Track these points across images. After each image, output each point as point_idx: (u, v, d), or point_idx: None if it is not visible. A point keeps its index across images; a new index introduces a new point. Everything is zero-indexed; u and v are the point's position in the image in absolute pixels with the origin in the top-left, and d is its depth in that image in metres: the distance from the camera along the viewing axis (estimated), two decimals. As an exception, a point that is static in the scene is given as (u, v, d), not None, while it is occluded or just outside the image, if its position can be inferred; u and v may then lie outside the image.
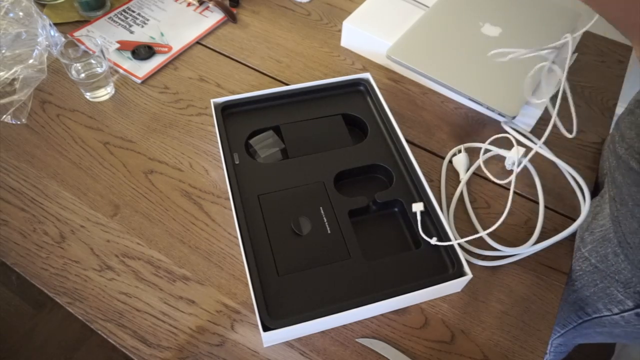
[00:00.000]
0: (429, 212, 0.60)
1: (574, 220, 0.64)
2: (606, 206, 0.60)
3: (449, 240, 0.57)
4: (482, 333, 0.56)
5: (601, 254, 0.59)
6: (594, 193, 0.68)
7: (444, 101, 0.78)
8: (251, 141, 0.67)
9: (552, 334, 0.73)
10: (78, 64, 0.72)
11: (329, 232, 0.58)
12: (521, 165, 0.57)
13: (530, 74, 0.69)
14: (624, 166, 0.56)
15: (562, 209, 0.66)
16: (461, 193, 0.67)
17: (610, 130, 0.72)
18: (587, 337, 0.71)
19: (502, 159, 0.71)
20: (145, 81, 0.78)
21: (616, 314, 0.62)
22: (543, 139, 0.57)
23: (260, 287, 0.53)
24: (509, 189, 0.68)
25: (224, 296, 0.57)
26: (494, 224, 0.64)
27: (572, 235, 0.64)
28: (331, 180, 0.63)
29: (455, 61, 0.74)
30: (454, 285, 0.56)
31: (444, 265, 0.57)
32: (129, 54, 0.80)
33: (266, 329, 0.50)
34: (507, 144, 0.72)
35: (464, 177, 0.67)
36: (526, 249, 0.61)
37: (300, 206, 0.60)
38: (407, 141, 0.67)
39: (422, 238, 0.58)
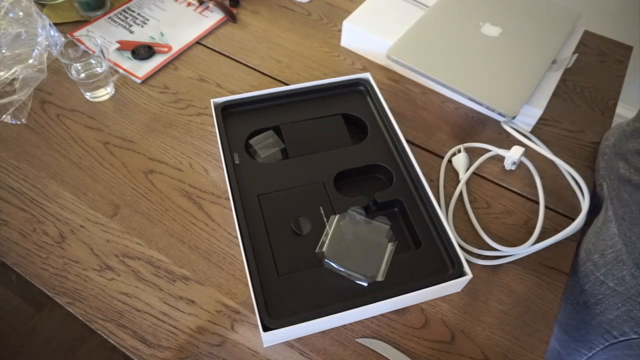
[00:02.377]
0: (429, 212, 0.60)
1: (574, 219, 0.64)
2: (612, 225, 0.59)
3: (449, 240, 0.57)
4: (482, 333, 0.56)
5: (618, 276, 0.58)
6: (593, 196, 0.68)
7: (444, 101, 0.78)
8: (251, 141, 0.67)
9: (580, 356, 0.71)
10: (78, 64, 0.72)
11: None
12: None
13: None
14: (630, 185, 0.55)
15: (562, 209, 0.66)
16: (460, 193, 0.67)
17: (602, 146, 0.70)
18: None
19: (502, 159, 0.70)
20: (145, 81, 0.78)
21: None
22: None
23: (260, 287, 0.53)
24: (509, 189, 0.68)
25: (224, 296, 0.57)
26: (494, 224, 0.64)
27: (573, 236, 0.64)
28: (331, 180, 0.63)
29: (455, 61, 0.74)
30: (454, 285, 0.56)
31: (444, 265, 0.57)
32: (128, 54, 0.80)
33: (266, 329, 0.50)
34: (507, 144, 0.72)
35: (463, 177, 0.67)
36: (526, 249, 0.61)
37: (300, 206, 0.60)
38: (407, 141, 0.67)
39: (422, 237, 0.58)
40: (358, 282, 0.54)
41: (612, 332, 0.63)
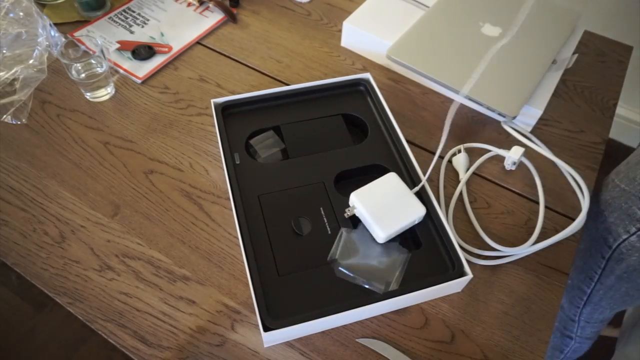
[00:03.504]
0: (429, 212, 0.60)
1: (574, 219, 0.64)
2: None
3: (449, 240, 0.57)
4: (482, 333, 0.56)
5: (630, 177, 0.63)
6: (593, 196, 0.69)
7: (444, 101, 0.78)
8: (251, 141, 0.67)
9: (579, 302, 0.76)
10: (78, 64, 0.72)
11: (329, 232, 0.58)
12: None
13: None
14: None
15: (562, 209, 0.66)
16: (461, 193, 0.67)
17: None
18: (613, 294, 0.73)
19: (502, 159, 0.71)
20: (145, 81, 0.78)
21: (633, 233, 0.64)
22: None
23: (261, 287, 0.53)
24: (509, 189, 0.68)
25: (224, 296, 0.57)
26: (494, 224, 0.64)
27: (573, 236, 0.64)
28: (331, 181, 0.63)
29: (455, 61, 0.74)
30: (454, 286, 0.56)
31: (444, 266, 0.57)
32: (129, 54, 0.80)
33: (266, 329, 0.50)
34: (507, 144, 0.72)
35: (463, 177, 0.67)
36: (526, 249, 0.61)
37: (301, 206, 0.60)
38: (407, 141, 0.67)
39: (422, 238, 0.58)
40: (372, 289, 0.54)
41: (609, 239, 0.68)
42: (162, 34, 0.84)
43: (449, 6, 0.82)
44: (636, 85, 1.53)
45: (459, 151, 0.70)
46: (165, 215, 0.63)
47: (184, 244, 0.61)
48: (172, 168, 0.68)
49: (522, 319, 0.57)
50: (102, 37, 0.82)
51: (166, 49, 0.81)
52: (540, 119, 0.74)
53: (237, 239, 0.61)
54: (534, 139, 0.73)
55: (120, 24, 0.85)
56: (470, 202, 0.66)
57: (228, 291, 0.58)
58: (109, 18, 0.86)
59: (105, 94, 0.74)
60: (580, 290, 0.75)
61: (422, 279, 0.55)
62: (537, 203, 0.66)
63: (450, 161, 0.70)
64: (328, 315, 0.51)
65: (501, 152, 0.69)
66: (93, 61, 0.72)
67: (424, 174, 0.63)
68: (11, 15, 0.74)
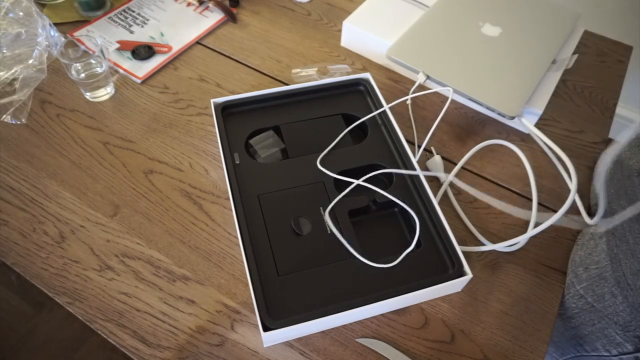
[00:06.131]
0: (429, 212, 0.60)
1: (574, 219, 0.64)
2: (601, 241, 0.58)
3: (449, 239, 0.57)
4: (482, 333, 0.56)
5: (597, 293, 0.58)
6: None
7: (444, 101, 0.78)
8: (251, 141, 0.67)
9: (549, 357, 0.72)
10: (78, 64, 0.72)
11: (329, 232, 0.58)
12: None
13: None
14: (625, 199, 0.54)
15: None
16: (445, 194, 0.66)
17: (605, 156, 0.69)
18: None
19: (501, 159, 0.70)
20: (145, 81, 0.78)
21: (615, 355, 0.60)
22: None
23: (260, 287, 0.53)
24: (509, 189, 0.68)
25: (224, 296, 0.57)
26: (494, 223, 0.64)
27: (573, 235, 0.63)
28: (331, 180, 0.63)
29: (455, 61, 0.74)
30: (454, 285, 0.56)
31: (444, 265, 0.57)
32: (128, 54, 0.80)
33: (266, 329, 0.50)
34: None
35: (445, 179, 0.67)
36: (507, 245, 0.61)
37: (300, 206, 0.60)
38: (407, 141, 0.67)
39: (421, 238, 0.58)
40: None
41: (585, 346, 0.63)
42: (161, 34, 0.84)
43: (449, 6, 0.82)
44: (636, 85, 1.53)
45: (431, 153, 0.70)
46: (164, 215, 0.63)
47: (183, 243, 0.61)
48: (172, 168, 0.68)
49: (521, 318, 0.57)
50: (102, 37, 0.82)
51: (166, 49, 0.81)
52: (540, 118, 0.74)
53: (237, 238, 0.61)
54: (542, 137, 0.71)
55: (120, 24, 0.85)
56: (471, 202, 0.66)
57: (228, 291, 0.57)
58: (109, 18, 0.86)
59: (105, 93, 0.74)
60: (550, 355, 0.71)
61: (422, 279, 0.55)
62: (539, 204, 0.66)
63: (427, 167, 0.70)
64: (328, 315, 0.51)
65: (503, 143, 0.68)
66: (93, 61, 0.72)
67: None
68: (11, 15, 0.74)
